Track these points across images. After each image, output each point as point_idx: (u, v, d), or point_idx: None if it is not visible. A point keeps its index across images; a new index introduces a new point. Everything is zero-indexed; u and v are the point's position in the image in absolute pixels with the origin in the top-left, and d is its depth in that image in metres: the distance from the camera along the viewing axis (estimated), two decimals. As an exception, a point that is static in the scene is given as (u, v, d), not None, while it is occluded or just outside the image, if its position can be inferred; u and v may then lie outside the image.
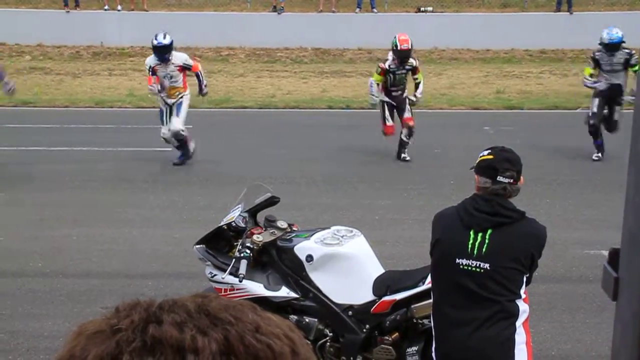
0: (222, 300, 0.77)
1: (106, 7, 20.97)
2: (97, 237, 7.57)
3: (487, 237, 3.37)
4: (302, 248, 4.60)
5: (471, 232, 3.39)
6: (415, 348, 4.34)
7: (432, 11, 21.36)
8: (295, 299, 4.57)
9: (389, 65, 10.52)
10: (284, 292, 4.59)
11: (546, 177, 9.38)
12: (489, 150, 3.56)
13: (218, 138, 11.86)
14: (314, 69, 18.54)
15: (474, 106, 14.63)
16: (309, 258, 4.57)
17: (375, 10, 20.99)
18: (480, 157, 3.55)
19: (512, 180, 3.45)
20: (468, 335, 3.38)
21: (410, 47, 10.63)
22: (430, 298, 3.83)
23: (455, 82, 16.93)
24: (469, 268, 3.37)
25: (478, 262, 3.36)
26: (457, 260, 3.38)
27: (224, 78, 17.58)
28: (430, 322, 3.90)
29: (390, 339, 4.41)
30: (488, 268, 3.35)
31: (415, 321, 4.35)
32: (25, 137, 11.89)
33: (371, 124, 12.61)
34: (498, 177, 3.42)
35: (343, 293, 4.51)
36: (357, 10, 21.04)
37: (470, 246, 3.38)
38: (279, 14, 20.74)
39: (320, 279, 4.55)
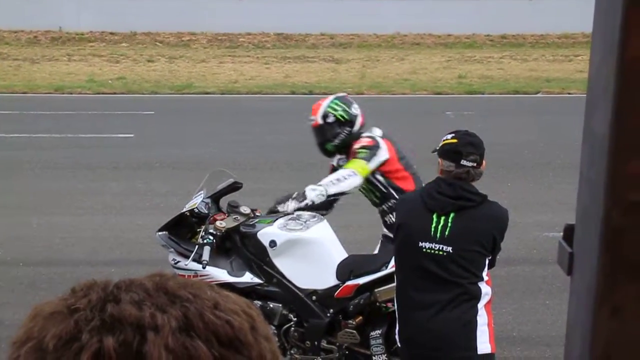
0: (179, 279, 0.77)
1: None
2: (58, 224, 7.48)
3: (449, 220, 3.40)
4: (266, 234, 4.60)
5: (434, 216, 3.41)
6: (378, 331, 4.38)
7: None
8: (259, 284, 4.58)
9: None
10: (248, 277, 4.60)
11: (507, 160, 9.50)
12: (453, 134, 3.58)
13: (180, 124, 11.77)
14: (277, 55, 18.48)
15: (436, 91, 14.73)
16: (272, 243, 4.58)
17: (337, -5, 20.94)
18: (444, 140, 3.56)
19: (475, 164, 3.48)
20: (430, 317, 3.42)
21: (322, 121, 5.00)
22: (394, 282, 3.87)
23: (418, 67, 17.02)
24: (432, 251, 3.39)
25: (441, 245, 3.39)
26: (420, 244, 3.40)
27: (186, 64, 17.44)
28: (393, 305, 3.96)
29: (354, 322, 4.44)
30: (451, 251, 3.38)
31: (378, 305, 4.39)
32: (-17, 124, 11.67)
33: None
34: (462, 160, 3.44)
35: (307, 278, 4.54)
36: (320, -5, 20.96)
37: (433, 229, 3.40)
38: (240, -1, 20.59)
39: (283, 264, 4.57)
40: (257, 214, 4.82)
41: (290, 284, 4.54)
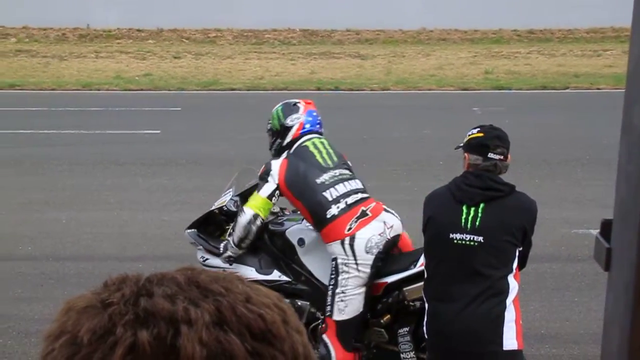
0: (210, 272, 0.77)
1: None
2: (86, 220, 7.55)
3: (479, 211, 3.41)
4: (294, 232, 4.59)
5: (463, 207, 3.43)
6: (406, 329, 4.35)
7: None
8: (287, 282, 4.56)
9: None
10: (276, 275, 4.58)
11: (535, 157, 9.42)
12: (479, 129, 3.61)
13: (206, 120, 11.83)
14: (302, 51, 18.49)
15: (463, 87, 14.65)
16: (301, 242, 4.55)
17: (363, -9, 20.90)
18: (470, 135, 3.59)
19: (502, 157, 3.51)
20: (459, 311, 3.41)
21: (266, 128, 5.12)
22: (422, 281, 3.86)
23: (444, 63, 16.94)
24: (463, 242, 3.40)
25: (472, 236, 3.40)
26: (451, 235, 3.42)
27: (212, 60, 17.52)
28: (421, 304, 3.94)
29: (382, 321, 4.41)
30: (482, 241, 3.38)
31: (406, 303, 4.35)
32: (13, 120, 11.82)
33: (359, 105, 12.64)
34: (489, 154, 3.48)
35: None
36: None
37: (463, 220, 3.41)
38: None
39: (312, 262, 4.54)
40: (286, 212, 4.83)
41: (319, 282, 4.51)
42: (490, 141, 3.51)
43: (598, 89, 14.18)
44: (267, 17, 19.85)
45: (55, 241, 7.02)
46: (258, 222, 4.38)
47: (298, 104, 4.72)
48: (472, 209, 3.42)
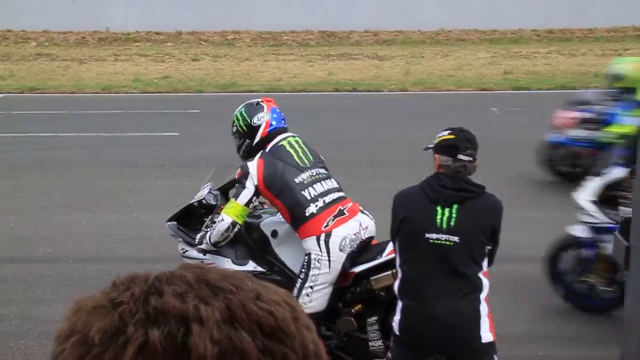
0: (219, 270, 0.77)
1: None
2: (105, 222, 7.59)
3: (453, 211, 3.52)
4: (268, 224, 4.74)
5: (438, 208, 3.54)
6: (375, 318, 4.48)
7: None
8: (262, 273, 4.67)
9: None
10: (251, 266, 4.71)
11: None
12: (449, 131, 3.76)
13: (225, 122, 11.80)
14: (320, 52, 18.49)
15: (482, 87, 14.58)
16: (274, 234, 4.71)
17: (381, -8, 20.87)
18: (440, 137, 3.73)
19: (471, 159, 3.64)
20: (437, 309, 3.48)
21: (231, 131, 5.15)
22: (389, 270, 4.22)
23: (462, 64, 16.86)
24: (439, 242, 3.51)
25: (448, 236, 3.50)
26: (427, 235, 3.52)
27: (230, 62, 17.55)
28: (389, 294, 4.19)
29: (353, 310, 4.54)
30: (457, 241, 3.49)
31: (376, 293, 4.47)
32: (33, 123, 11.92)
33: (377, 106, 12.59)
34: (459, 155, 3.61)
35: None
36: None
37: (439, 221, 3.52)
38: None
39: (285, 253, 4.68)
40: (265, 206, 4.96)
41: (291, 272, 4.63)
42: (460, 143, 3.65)
43: (619, 88, 14.03)
44: (285, 18, 19.88)
45: (75, 243, 7.07)
46: (236, 229, 4.54)
47: (261, 103, 4.80)
48: (447, 209, 3.53)
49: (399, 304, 3.64)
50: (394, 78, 15.37)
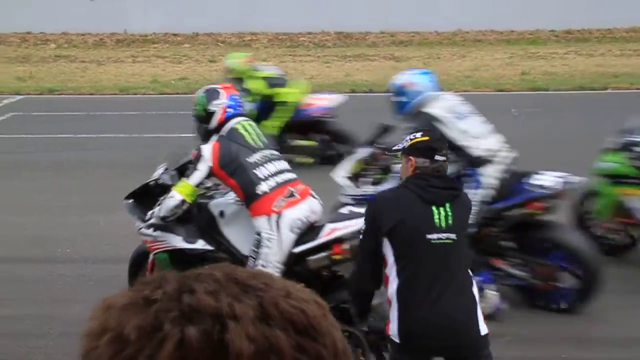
0: (246, 269, 0.78)
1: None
2: (124, 223, 7.60)
3: (448, 210, 3.56)
4: (217, 204, 5.02)
5: (433, 208, 3.55)
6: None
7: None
8: (210, 250, 4.94)
9: None
10: (201, 244, 4.96)
11: (572, 159, 9.27)
12: (422, 132, 3.80)
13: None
14: (337, 53, 18.48)
15: (499, 88, 14.51)
16: (222, 214, 4.98)
17: (397, -8, 20.84)
18: (414, 139, 3.71)
19: (445, 158, 3.70)
20: (445, 307, 3.45)
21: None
22: (324, 252, 4.49)
23: (480, 64, 16.79)
24: (440, 241, 3.52)
25: (447, 234, 3.53)
26: (428, 236, 3.52)
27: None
28: (329, 274, 4.58)
29: None
30: (455, 238, 3.54)
31: (316, 272, 4.67)
32: (52, 124, 12.00)
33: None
34: (435, 156, 3.64)
35: (250, 245, 4.77)
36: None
37: (437, 220, 3.54)
38: (301, -2, 20.67)
39: (231, 232, 4.93)
40: (220, 188, 5.17)
41: (236, 250, 4.86)
42: (435, 144, 3.70)
43: (638, 89, 13.94)
44: (302, 20, 19.90)
45: (94, 244, 7.11)
46: (184, 207, 4.80)
47: (219, 90, 5.03)
48: (441, 208, 3.56)
49: (395, 310, 3.53)
50: (410, 79, 15.34)
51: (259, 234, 4.59)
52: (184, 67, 17.47)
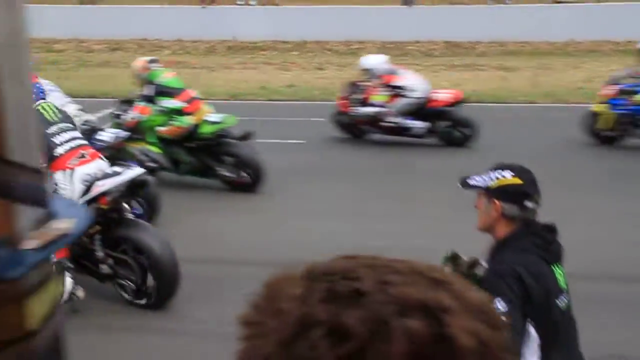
0: (420, 262, 0.76)
1: (240, 2, 21.55)
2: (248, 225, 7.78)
3: (561, 268, 3.05)
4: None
5: (552, 268, 3.02)
6: (99, 237, 5.84)
7: (569, 1, 20.65)
8: None
9: None
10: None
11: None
12: (511, 172, 3.06)
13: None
14: (445, 62, 18.32)
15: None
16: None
17: (508, 1, 20.52)
18: (501, 179, 3.05)
19: (536, 204, 3.06)
20: None
21: None
22: (95, 203, 5.62)
23: (593, 76, 16.27)
24: (564, 305, 3.01)
25: (567, 295, 3.04)
26: (557, 302, 2.99)
27: (355, 72, 17.64)
28: (119, 213, 5.83)
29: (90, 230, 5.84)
30: (569, 299, 3.05)
31: (105, 213, 5.81)
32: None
33: (504, 118, 12.34)
34: (525, 202, 3.01)
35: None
36: (490, 2, 20.63)
37: (560, 282, 3.02)
38: (409, 7, 20.63)
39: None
40: None
41: None
42: (529, 189, 3.02)
43: None
44: (410, 29, 19.85)
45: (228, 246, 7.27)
46: None
47: None
48: (557, 267, 3.02)
49: None
50: (521, 89, 15.03)
51: (56, 185, 5.76)
52: (291, 74, 17.72)
